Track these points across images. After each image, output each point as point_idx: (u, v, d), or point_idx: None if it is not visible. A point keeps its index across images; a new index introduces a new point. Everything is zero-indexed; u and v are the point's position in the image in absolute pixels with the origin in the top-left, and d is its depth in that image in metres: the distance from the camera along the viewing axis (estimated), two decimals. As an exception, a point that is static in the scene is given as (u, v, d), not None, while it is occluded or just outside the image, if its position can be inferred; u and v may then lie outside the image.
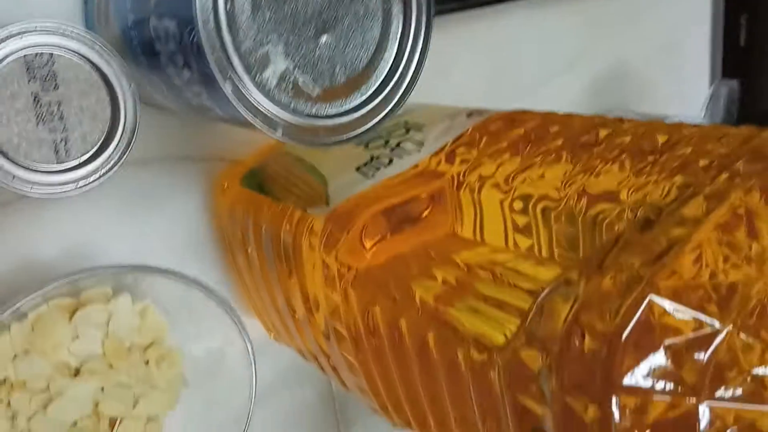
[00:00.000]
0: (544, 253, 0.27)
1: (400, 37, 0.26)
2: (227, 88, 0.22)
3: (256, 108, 0.23)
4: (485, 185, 0.29)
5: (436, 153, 0.31)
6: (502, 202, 0.28)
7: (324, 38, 0.24)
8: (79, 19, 0.31)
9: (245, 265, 0.36)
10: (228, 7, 0.22)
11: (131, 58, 0.28)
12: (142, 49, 0.26)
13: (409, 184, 0.30)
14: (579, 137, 0.29)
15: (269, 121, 0.23)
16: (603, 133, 0.29)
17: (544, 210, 0.28)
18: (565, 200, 0.27)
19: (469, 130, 0.31)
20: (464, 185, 0.29)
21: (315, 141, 0.24)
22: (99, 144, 0.26)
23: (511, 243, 0.29)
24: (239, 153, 0.37)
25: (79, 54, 0.24)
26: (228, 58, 0.22)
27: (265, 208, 0.34)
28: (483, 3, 0.41)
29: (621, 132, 0.29)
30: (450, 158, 0.31)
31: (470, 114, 0.34)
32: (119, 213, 0.35)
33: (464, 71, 0.44)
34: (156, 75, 0.27)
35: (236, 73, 0.22)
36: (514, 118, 0.31)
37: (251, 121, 0.23)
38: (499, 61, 0.47)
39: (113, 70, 0.25)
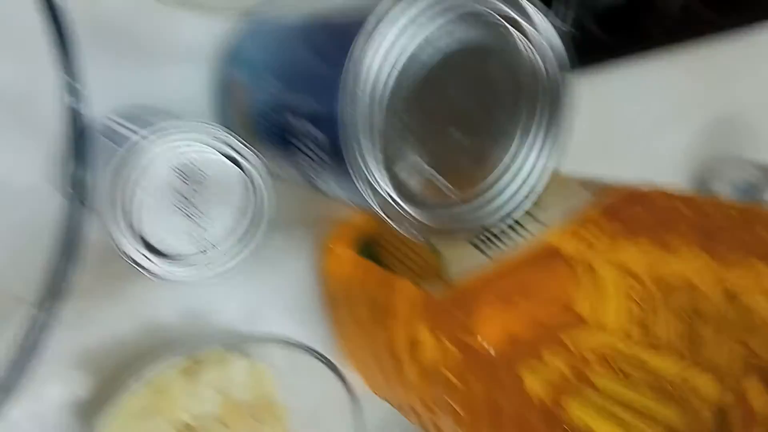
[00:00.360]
0: (665, 342, 0.26)
1: (533, 137, 0.25)
2: (365, 189, 0.22)
3: (390, 205, 0.23)
4: (607, 267, 0.28)
5: (557, 231, 0.30)
6: (623, 286, 0.28)
7: (457, 135, 0.24)
8: (206, 101, 0.32)
9: (352, 326, 0.37)
10: (369, 111, 0.22)
11: (258, 141, 0.28)
12: (273, 138, 0.27)
13: (529, 263, 0.29)
14: (712, 223, 0.28)
15: (401, 219, 0.23)
16: (739, 221, 0.28)
17: (670, 299, 0.27)
18: (697, 293, 0.26)
19: (591, 207, 0.31)
20: (586, 265, 0.29)
21: (448, 237, 0.24)
22: (236, 232, 0.26)
23: (630, 328, 0.28)
24: (348, 215, 0.37)
25: (223, 153, 0.25)
26: (366, 160, 0.22)
27: (374, 274, 0.34)
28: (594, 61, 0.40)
29: (759, 219, 0.27)
30: (571, 237, 0.30)
31: (589, 186, 0.33)
32: (233, 274, 0.35)
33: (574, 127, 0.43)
34: (283, 158, 0.27)
35: (374, 174, 0.22)
36: (639, 196, 0.30)
37: (383, 218, 0.23)
38: (607, 116, 0.45)
39: (253, 167, 0.25)
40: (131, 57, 0.31)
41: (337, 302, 0.38)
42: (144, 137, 0.24)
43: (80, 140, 0.21)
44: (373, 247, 0.34)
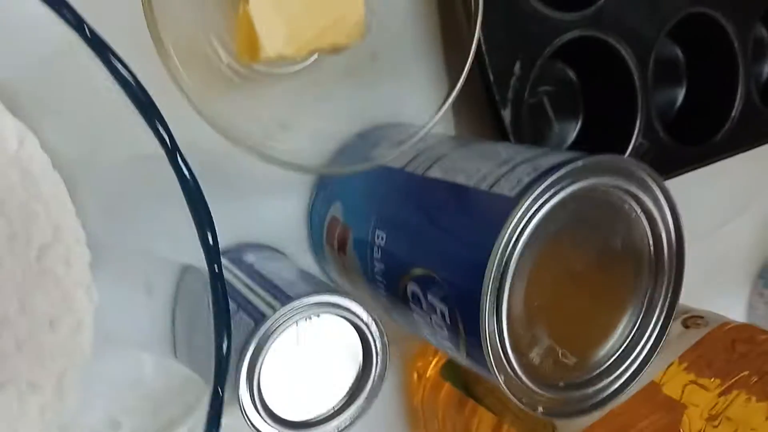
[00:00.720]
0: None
1: (649, 308, 0.26)
2: (494, 370, 0.23)
3: (515, 382, 0.24)
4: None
5: (661, 375, 0.30)
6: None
7: (578, 306, 0.25)
8: (307, 245, 0.33)
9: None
10: (502, 292, 0.22)
11: (362, 284, 0.29)
12: (389, 298, 0.27)
13: (641, 411, 0.30)
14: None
15: (531, 399, 0.24)
16: None
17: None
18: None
19: (695, 346, 0.31)
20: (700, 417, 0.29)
21: (572, 412, 0.25)
22: (352, 391, 0.27)
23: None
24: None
25: (344, 317, 0.26)
26: (499, 343, 0.23)
27: (469, 409, 0.35)
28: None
29: None
30: (677, 382, 0.30)
31: (684, 321, 0.33)
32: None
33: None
34: (394, 311, 0.28)
35: (506, 356, 0.23)
36: (745, 338, 0.31)
37: (507, 394, 0.24)
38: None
39: (371, 332, 0.26)
40: (229, 195, 0.32)
41: (419, 421, 0.38)
42: (270, 306, 0.25)
43: (221, 311, 0.22)
44: (467, 380, 0.35)
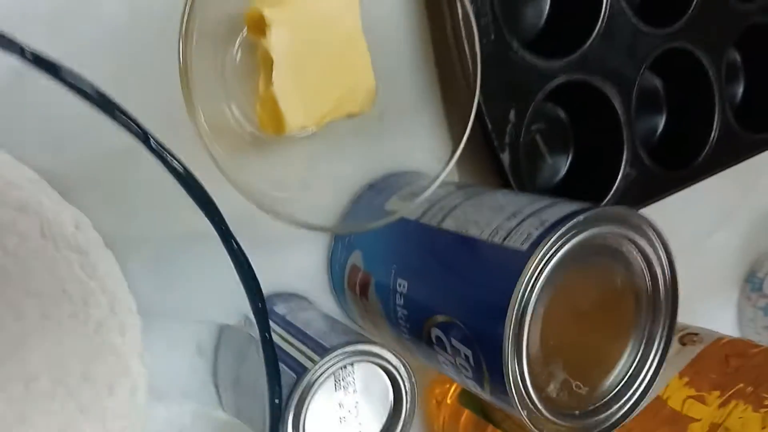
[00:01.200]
0: None
1: (644, 345, 0.28)
2: (519, 407, 0.25)
3: (536, 415, 0.26)
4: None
5: (664, 389, 0.33)
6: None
7: (587, 341, 0.27)
8: (329, 291, 0.35)
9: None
10: (522, 335, 0.25)
11: (390, 332, 0.31)
12: (413, 341, 0.30)
13: (649, 426, 0.32)
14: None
15: (551, 429, 0.26)
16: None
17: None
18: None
19: (693, 362, 0.34)
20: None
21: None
22: (386, 429, 0.29)
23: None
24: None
25: (376, 364, 0.28)
26: (521, 383, 0.25)
27: (471, 422, 0.37)
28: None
29: None
30: (678, 396, 0.33)
31: (681, 338, 0.36)
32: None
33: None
34: (418, 352, 0.31)
35: (527, 393, 0.25)
36: (738, 352, 0.33)
37: (528, 426, 0.26)
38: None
39: (401, 375, 0.28)
40: (255, 248, 0.34)
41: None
42: (310, 359, 0.27)
43: (273, 372, 0.24)
44: (487, 406, 0.37)
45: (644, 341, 0.28)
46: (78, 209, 0.26)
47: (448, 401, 0.40)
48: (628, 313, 0.28)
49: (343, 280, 0.35)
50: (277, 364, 0.24)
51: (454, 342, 0.27)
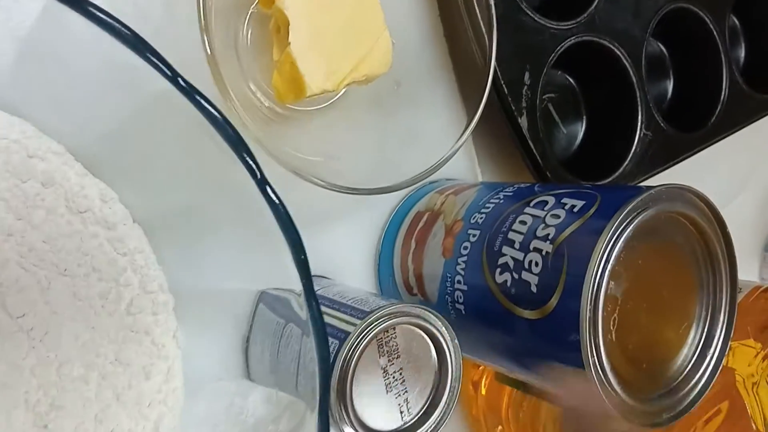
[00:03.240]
0: None
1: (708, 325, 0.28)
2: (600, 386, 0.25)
3: (613, 395, 0.25)
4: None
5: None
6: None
7: (654, 324, 0.27)
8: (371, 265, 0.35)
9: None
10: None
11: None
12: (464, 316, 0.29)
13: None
14: None
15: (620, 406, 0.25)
16: None
17: None
18: None
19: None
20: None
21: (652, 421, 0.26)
22: (432, 396, 0.28)
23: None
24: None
25: (417, 324, 0.27)
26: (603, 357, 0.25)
27: (530, 406, 0.36)
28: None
29: None
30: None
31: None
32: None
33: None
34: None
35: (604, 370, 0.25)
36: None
37: (609, 409, 0.25)
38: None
39: (442, 334, 0.27)
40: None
41: (482, 430, 0.39)
42: (350, 324, 0.26)
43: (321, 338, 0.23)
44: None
45: (708, 319, 0.28)
46: (104, 183, 0.25)
47: (484, 382, 0.39)
48: (690, 291, 0.27)
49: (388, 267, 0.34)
50: (324, 327, 0.23)
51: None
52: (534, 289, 0.27)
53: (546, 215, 0.28)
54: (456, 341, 0.28)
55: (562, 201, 0.28)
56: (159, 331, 0.26)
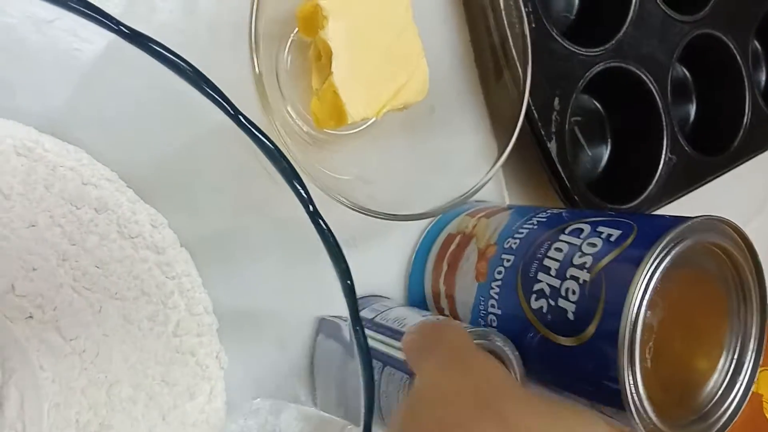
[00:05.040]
0: None
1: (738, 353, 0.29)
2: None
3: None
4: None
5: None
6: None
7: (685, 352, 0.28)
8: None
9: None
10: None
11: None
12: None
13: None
14: None
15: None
16: None
17: None
18: None
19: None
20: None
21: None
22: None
23: None
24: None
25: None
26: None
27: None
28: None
29: None
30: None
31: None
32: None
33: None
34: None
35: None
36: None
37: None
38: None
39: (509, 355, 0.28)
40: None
41: None
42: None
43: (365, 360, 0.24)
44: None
45: (738, 346, 0.28)
46: (153, 208, 0.26)
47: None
48: (722, 319, 0.28)
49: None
50: (369, 351, 0.23)
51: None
52: (571, 316, 0.27)
53: (582, 243, 0.28)
54: (516, 352, 0.29)
55: (598, 229, 0.28)
56: (203, 353, 0.26)
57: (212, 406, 0.27)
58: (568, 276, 0.28)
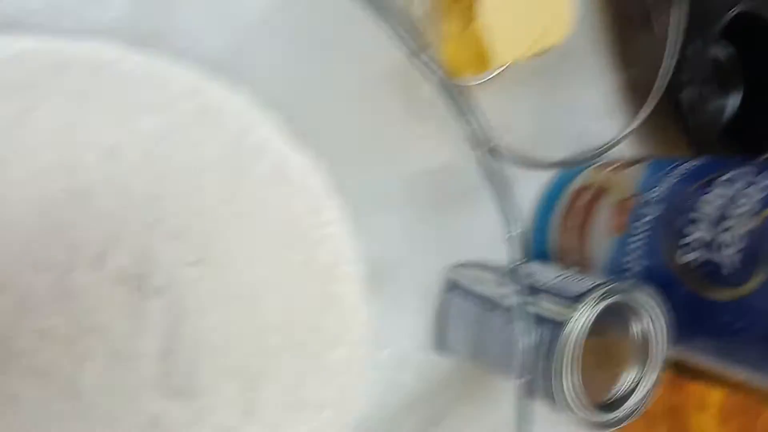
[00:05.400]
0: None
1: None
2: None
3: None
4: None
5: None
6: None
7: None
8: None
9: None
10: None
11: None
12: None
13: None
14: None
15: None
16: None
17: None
18: None
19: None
20: None
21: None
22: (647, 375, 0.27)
23: None
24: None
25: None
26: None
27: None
28: None
29: None
30: None
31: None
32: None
33: None
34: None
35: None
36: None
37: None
38: None
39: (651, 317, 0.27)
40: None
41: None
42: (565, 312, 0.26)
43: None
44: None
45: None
46: (312, 152, 0.25)
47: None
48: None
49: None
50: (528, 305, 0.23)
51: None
52: (727, 270, 0.26)
53: (737, 193, 0.27)
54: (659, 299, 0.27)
55: (754, 179, 0.27)
56: (350, 301, 0.26)
57: (356, 354, 0.27)
58: (724, 227, 0.26)
